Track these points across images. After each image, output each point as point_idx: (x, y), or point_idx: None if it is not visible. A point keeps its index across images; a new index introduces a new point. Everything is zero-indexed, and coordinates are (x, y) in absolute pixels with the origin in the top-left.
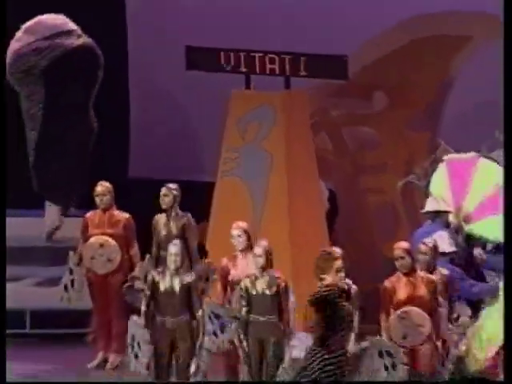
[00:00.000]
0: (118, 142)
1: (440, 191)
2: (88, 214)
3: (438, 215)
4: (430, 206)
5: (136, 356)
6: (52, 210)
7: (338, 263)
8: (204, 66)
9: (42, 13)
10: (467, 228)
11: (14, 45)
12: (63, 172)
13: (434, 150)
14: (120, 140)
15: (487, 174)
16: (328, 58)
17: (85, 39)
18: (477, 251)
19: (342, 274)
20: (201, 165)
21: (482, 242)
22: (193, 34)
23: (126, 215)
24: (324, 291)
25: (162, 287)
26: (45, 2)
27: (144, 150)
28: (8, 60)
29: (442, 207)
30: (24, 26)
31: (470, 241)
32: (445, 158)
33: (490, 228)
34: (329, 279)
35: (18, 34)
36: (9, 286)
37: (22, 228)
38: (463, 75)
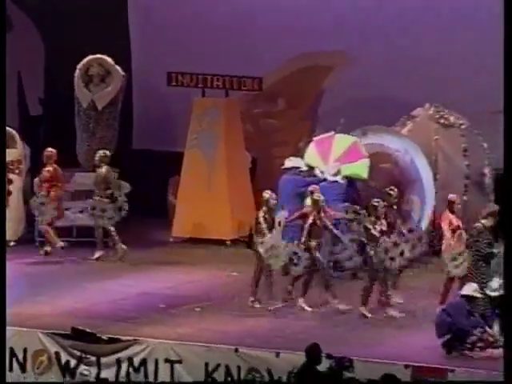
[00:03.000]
0: (125, 126)
1: (311, 158)
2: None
3: (291, 169)
4: (287, 164)
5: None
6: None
7: None
8: (178, 83)
9: None
10: (336, 170)
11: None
12: (93, 152)
13: (313, 132)
14: (126, 124)
15: (342, 140)
16: (251, 79)
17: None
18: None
19: None
20: (177, 141)
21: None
22: (174, 60)
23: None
24: None
25: None
26: None
27: (143, 131)
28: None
29: (296, 164)
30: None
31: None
32: (314, 138)
33: (349, 169)
34: None
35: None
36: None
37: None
38: (329, 89)
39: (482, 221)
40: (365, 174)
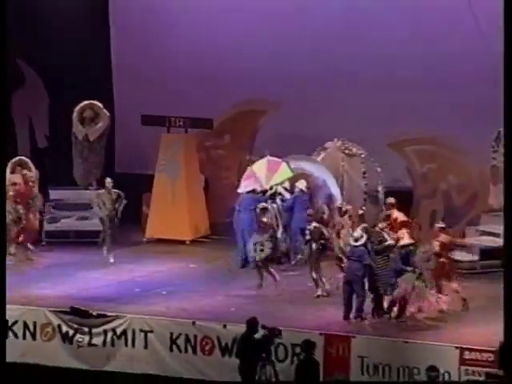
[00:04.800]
0: (109, 154)
1: (259, 170)
2: None
3: (251, 191)
4: (242, 189)
5: None
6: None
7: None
8: (150, 123)
9: None
10: (277, 189)
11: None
12: (87, 173)
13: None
14: (110, 152)
15: (285, 170)
16: (204, 120)
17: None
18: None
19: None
20: (149, 166)
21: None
22: (146, 103)
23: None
24: None
25: None
26: None
27: (123, 158)
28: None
29: (255, 187)
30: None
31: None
32: (266, 156)
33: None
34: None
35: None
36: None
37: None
38: (263, 126)
39: (379, 225)
40: (289, 174)
